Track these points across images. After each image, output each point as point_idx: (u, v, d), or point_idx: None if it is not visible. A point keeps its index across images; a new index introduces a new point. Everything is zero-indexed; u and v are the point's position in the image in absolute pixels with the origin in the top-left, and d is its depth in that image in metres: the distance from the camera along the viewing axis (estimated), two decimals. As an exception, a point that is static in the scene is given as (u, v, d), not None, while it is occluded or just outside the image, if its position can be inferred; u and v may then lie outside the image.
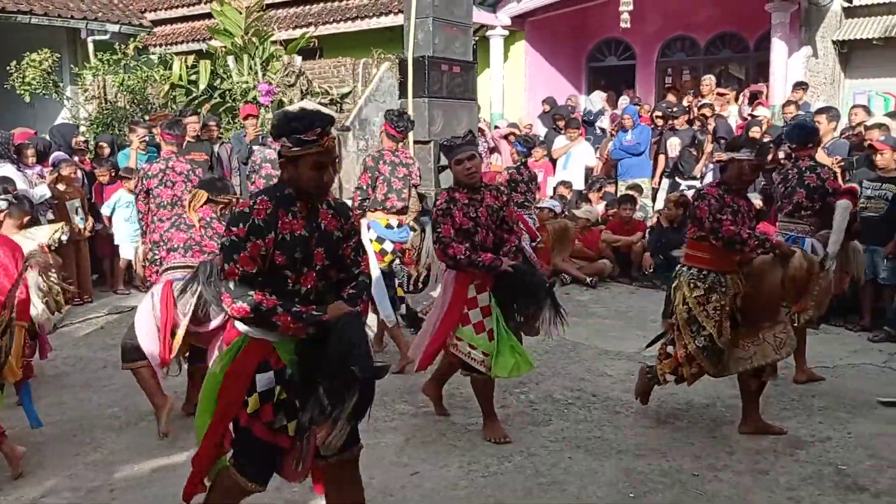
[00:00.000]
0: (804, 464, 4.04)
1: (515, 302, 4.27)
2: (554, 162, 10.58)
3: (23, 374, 4.17)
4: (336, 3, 14.42)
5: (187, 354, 4.71)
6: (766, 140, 8.94)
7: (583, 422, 4.65)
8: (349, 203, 5.16)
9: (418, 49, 9.59)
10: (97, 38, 14.18)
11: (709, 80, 11.11)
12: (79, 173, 8.05)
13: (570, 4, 13.22)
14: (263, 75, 10.28)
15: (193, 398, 4.73)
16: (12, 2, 12.90)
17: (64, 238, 6.47)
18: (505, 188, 6.00)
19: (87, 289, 7.83)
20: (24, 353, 4.16)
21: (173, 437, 4.47)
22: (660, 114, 10.51)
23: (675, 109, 10.35)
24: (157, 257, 4.70)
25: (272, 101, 9.59)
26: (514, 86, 13.80)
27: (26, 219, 5.13)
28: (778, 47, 11.23)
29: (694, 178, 9.64)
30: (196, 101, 10.24)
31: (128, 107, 11.01)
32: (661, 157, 10.05)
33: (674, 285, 4.40)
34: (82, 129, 10.61)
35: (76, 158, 8.32)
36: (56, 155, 8.02)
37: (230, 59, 10.46)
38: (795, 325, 4.68)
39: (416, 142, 9.68)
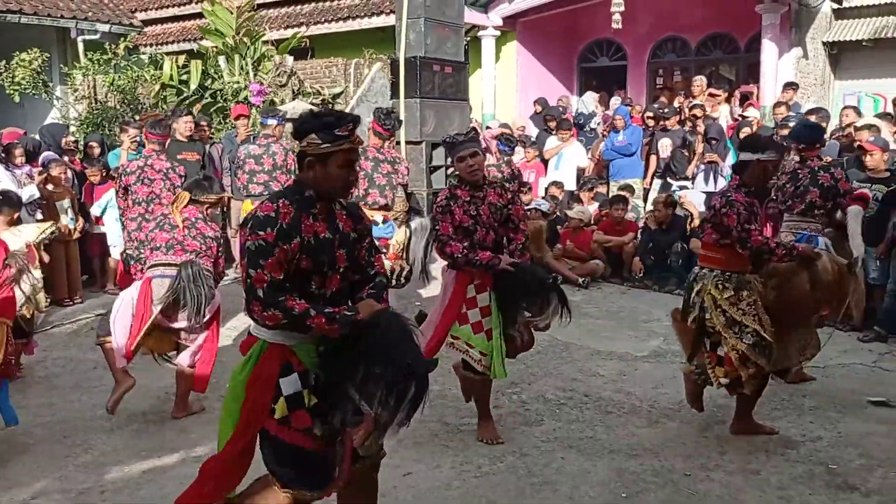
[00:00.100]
0: (795, 463, 4.06)
1: (519, 299, 4.18)
2: (546, 162, 10.60)
3: (1, 372, 4.18)
4: (328, 4, 14.40)
5: (173, 353, 4.75)
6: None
7: (575, 422, 4.66)
8: None
9: (410, 49, 9.58)
10: (87, 37, 14.13)
11: (700, 81, 11.15)
12: (69, 173, 8.01)
13: (562, 5, 13.24)
14: (255, 75, 10.26)
15: (182, 400, 4.74)
16: (1, 2, 12.83)
17: (55, 234, 6.47)
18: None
19: (76, 289, 7.78)
20: (7, 350, 4.16)
21: (165, 439, 4.46)
22: (651, 114, 10.54)
23: (666, 110, 10.38)
24: (141, 256, 4.81)
25: (263, 102, 9.58)
26: (506, 86, 13.82)
27: (16, 215, 5.14)
28: (768, 48, 11.28)
29: (686, 178, 9.67)
30: (187, 101, 10.21)
31: (118, 107, 10.96)
32: (653, 158, 10.07)
33: (696, 288, 4.25)
34: (72, 129, 10.57)
35: (66, 158, 8.28)
36: (46, 155, 7.98)
37: (221, 59, 10.44)
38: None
39: (407, 142, 9.67)
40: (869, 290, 6.65)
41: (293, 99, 9.96)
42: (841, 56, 12.68)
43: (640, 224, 8.96)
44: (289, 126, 9.01)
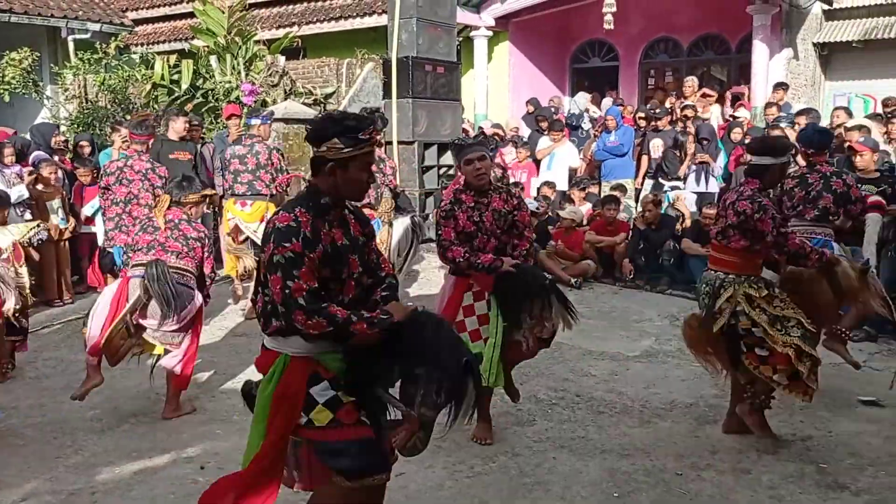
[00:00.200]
0: (786, 462, 4.07)
1: (522, 301, 4.09)
2: (538, 163, 10.61)
3: None
4: (320, 3, 14.39)
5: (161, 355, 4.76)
6: (747, 141, 9.03)
7: (567, 422, 4.66)
8: None
9: (402, 49, 9.59)
10: (78, 36, 14.08)
11: (691, 82, 11.19)
12: (59, 173, 7.97)
13: (554, 6, 13.26)
14: (246, 75, 10.23)
15: (173, 401, 4.73)
16: (-9, 0, 12.78)
17: (43, 235, 6.47)
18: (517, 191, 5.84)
19: (66, 289, 7.74)
20: None
21: (156, 440, 4.44)
22: (643, 115, 10.56)
23: (657, 111, 10.41)
24: (128, 258, 4.88)
25: (255, 101, 9.55)
26: (498, 86, 13.83)
27: (6, 213, 5.14)
28: (759, 49, 11.34)
29: (678, 178, 9.70)
30: (178, 101, 10.17)
31: (109, 106, 10.91)
32: (644, 159, 10.10)
33: (726, 294, 4.10)
34: (63, 128, 10.52)
35: (56, 158, 8.24)
36: (36, 154, 7.94)
37: (213, 59, 10.40)
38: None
39: (400, 142, 9.67)
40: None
41: (285, 99, 9.93)
42: (831, 57, 12.75)
43: (630, 225, 8.98)
44: (279, 125, 9.03)
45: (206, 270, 4.90)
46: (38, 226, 5.65)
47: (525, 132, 12.03)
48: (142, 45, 14.92)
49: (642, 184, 10.11)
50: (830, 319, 4.30)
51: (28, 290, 4.82)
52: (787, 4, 11.64)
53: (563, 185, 10.16)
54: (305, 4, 14.54)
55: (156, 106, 10.32)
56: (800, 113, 8.00)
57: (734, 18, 12.19)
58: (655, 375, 5.48)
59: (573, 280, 8.28)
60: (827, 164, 5.16)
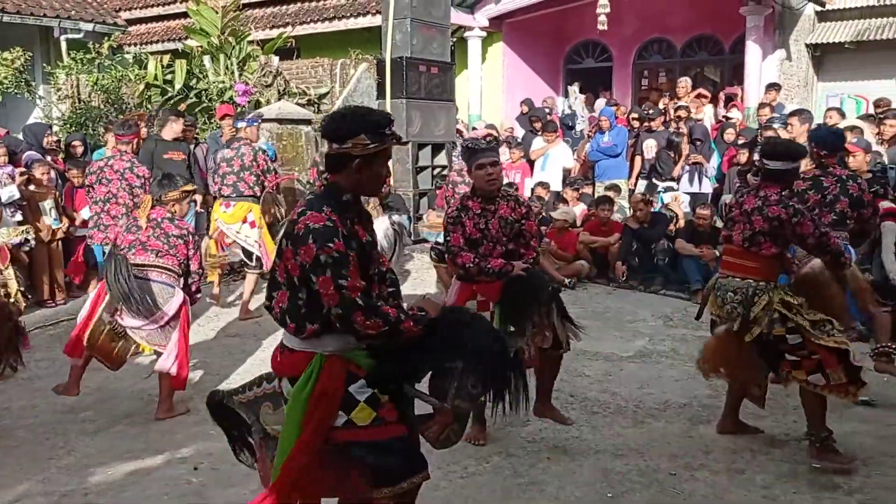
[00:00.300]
0: (779, 462, 4.09)
1: (531, 305, 4.04)
2: (532, 163, 10.62)
3: None
4: (313, 4, 14.37)
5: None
6: (741, 142, 9.06)
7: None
8: None
9: (396, 50, 9.58)
10: (70, 36, 14.02)
11: (685, 83, 11.22)
12: (52, 173, 7.94)
13: (548, 6, 13.28)
14: (240, 75, 10.22)
15: (166, 402, 4.72)
16: (-17, 0, 12.73)
17: (31, 241, 6.47)
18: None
19: (59, 290, 7.71)
20: None
21: (149, 440, 4.43)
22: (636, 115, 10.58)
23: (650, 111, 10.43)
24: None
25: (249, 102, 9.54)
26: (492, 87, 13.83)
27: None
28: (752, 50, 11.37)
29: (672, 179, 9.72)
30: (172, 101, 10.15)
31: (102, 106, 10.88)
32: (638, 159, 10.12)
33: (763, 302, 3.97)
34: (55, 128, 10.48)
35: (48, 158, 8.21)
36: (28, 155, 7.91)
37: (206, 59, 10.40)
38: None
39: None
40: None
41: (279, 99, 9.93)
42: (824, 58, 12.79)
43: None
44: (273, 126, 9.02)
45: (193, 267, 4.89)
46: (27, 231, 5.63)
47: (519, 133, 12.04)
48: (135, 44, 14.88)
49: (636, 184, 10.13)
50: (845, 322, 4.26)
51: (15, 291, 4.82)
52: (779, 6, 11.69)
53: (557, 185, 10.17)
54: (299, 5, 14.52)
55: (149, 106, 10.30)
56: (792, 114, 8.01)
57: (727, 19, 12.23)
58: (649, 376, 5.49)
59: (567, 280, 8.29)
60: (838, 166, 5.08)
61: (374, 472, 2.57)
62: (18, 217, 7.03)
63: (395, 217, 7.61)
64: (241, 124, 7.22)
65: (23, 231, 5.34)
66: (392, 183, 8.37)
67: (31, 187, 7.43)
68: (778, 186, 4.10)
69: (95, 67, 11.54)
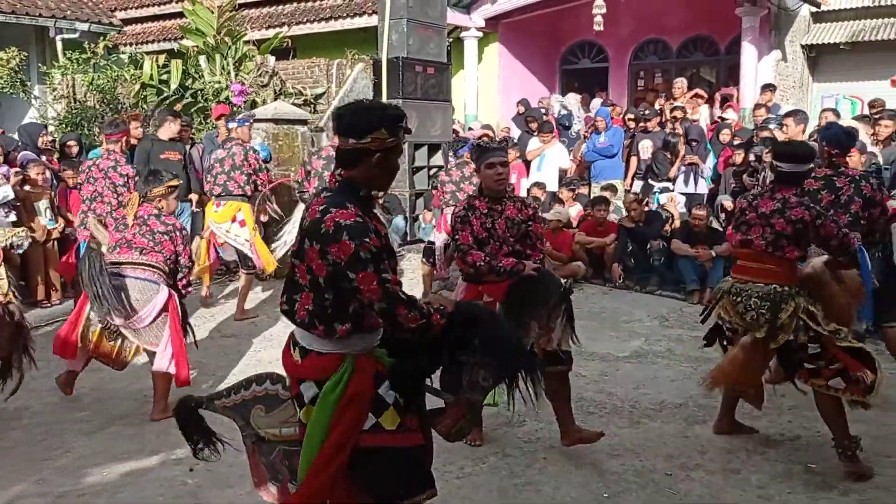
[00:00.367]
0: (774, 462, 4.09)
1: (540, 305, 3.97)
2: (528, 164, 10.62)
3: None
4: (310, 4, 14.37)
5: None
6: (736, 143, 9.08)
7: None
8: None
9: (392, 50, 9.59)
10: (66, 36, 14.01)
11: (681, 83, 11.25)
12: (47, 174, 7.92)
13: (544, 7, 13.29)
14: (236, 75, 10.20)
15: (161, 403, 4.70)
16: (-22, -1, 12.70)
17: (25, 244, 6.43)
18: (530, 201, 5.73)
19: (54, 290, 7.69)
20: None
21: (144, 441, 4.42)
22: (632, 116, 10.60)
23: (646, 112, 10.45)
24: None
25: (245, 102, 9.53)
26: (488, 87, 13.85)
27: None
28: (748, 51, 11.41)
29: (668, 179, 9.73)
30: (167, 101, 10.13)
31: (97, 106, 10.86)
32: (633, 160, 10.13)
33: (790, 309, 3.89)
34: (51, 128, 10.46)
35: (43, 158, 8.19)
36: (24, 155, 7.89)
37: (202, 59, 10.37)
38: None
39: (390, 142, 9.63)
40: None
41: (275, 99, 9.91)
42: (819, 59, 12.83)
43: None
44: (269, 126, 9.00)
45: (183, 261, 4.88)
46: (22, 233, 5.60)
47: (515, 133, 12.05)
48: (131, 44, 14.86)
49: (631, 185, 10.14)
50: (849, 323, 4.25)
51: (8, 291, 4.77)
52: (775, 7, 11.72)
53: (553, 186, 10.18)
54: (295, 5, 14.52)
55: (145, 106, 10.27)
56: (788, 114, 8.03)
57: (723, 20, 12.26)
58: (645, 376, 5.49)
59: (563, 281, 8.29)
60: (850, 166, 5.05)
61: (391, 484, 2.50)
62: (13, 217, 7.01)
63: (384, 218, 7.63)
64: (232, 125, 7.24)
65: (17, 233, 5.31)
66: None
67: (26, 187, 7.41)
68: (793, 188, 4.06)
69: (91, 67, 11.52)
